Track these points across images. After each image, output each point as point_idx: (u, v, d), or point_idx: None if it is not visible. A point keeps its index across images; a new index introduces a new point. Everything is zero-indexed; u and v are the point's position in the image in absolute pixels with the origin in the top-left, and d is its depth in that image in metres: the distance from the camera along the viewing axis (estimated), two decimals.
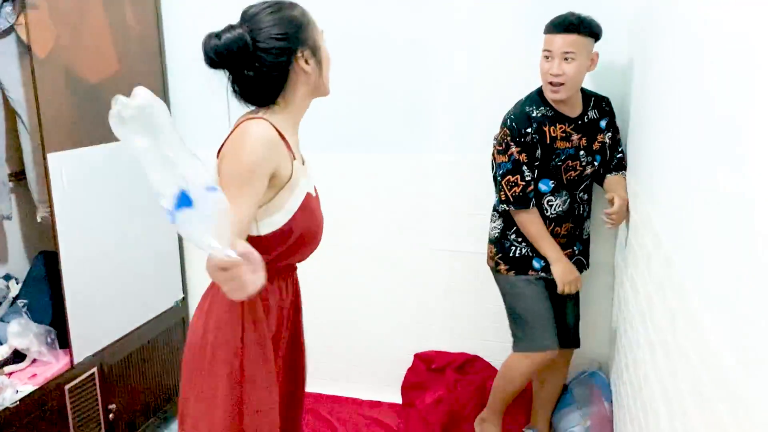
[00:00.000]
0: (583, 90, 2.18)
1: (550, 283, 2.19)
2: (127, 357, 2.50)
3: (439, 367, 2.66)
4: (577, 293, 2.27)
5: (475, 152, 2.44)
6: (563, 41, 2.00)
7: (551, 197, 2.17)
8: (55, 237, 2.14)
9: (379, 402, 2.75)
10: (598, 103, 2.20)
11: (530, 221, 2.13)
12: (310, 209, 1.47)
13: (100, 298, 2.34)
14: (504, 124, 2.14)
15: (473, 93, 2.50)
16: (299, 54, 1.40)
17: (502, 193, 2.15)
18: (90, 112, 2.26)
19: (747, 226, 0.85)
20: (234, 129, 1.40)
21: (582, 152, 2.15)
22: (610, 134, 2.21)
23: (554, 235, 2.19)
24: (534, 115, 2.11)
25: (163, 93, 2.71)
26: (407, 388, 2.70)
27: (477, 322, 2.69)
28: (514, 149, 2.09)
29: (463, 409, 2.52)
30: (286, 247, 1.44)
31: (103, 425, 2.34)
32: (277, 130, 1.39)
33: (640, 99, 2.03)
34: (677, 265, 1.29)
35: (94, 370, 2.30)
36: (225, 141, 1.40)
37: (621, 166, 2.23)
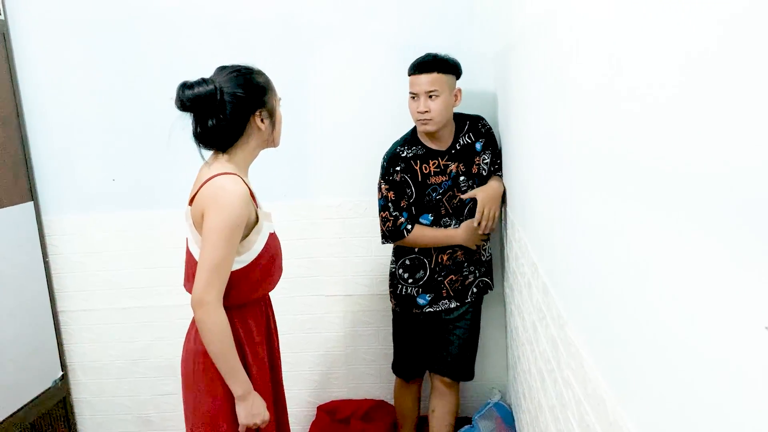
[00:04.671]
0: (458, 115, 2.25)
1: (433, 316, 2.30)
2: None
3: (344, 417, 2.58)
4: (469, 325, 2.31)
5: (358, 194, 2.44)
6: (426, 81, 2.08)
7: (436, 226, 2.23)
8: None
9: None
10: (473, 126, 2.26)
11: (416, 239, 2.21)
12: (273, 247, 1.68)
13: None
14: (381, 163, 2.22)
15: (350, 136, 2.51)
16: (257, 114, 1.61)
17: (380, 228, 2.23)
18: None
19: (611, 256, 0.88)
20: (207, 180, 1.53)
21: (462, 178, 2.22)
22: (486, 157, 2.26)
23: (439, 262, 2.24)
24: (404, 155, 2.19)
25: (24, 157, 2.52)
26: None
27: (378, 366, 2.66)
28: (383, 187, 2.20)
29: None
30: (251, 283, 1.63)
31: None
32: (243, 181, 1.57)
33: (505, 133, 2.11)
34: (552, 293, 1.32)
35: None
36: (198, 190, 1.53)
37: (497, 170, 2.30)
